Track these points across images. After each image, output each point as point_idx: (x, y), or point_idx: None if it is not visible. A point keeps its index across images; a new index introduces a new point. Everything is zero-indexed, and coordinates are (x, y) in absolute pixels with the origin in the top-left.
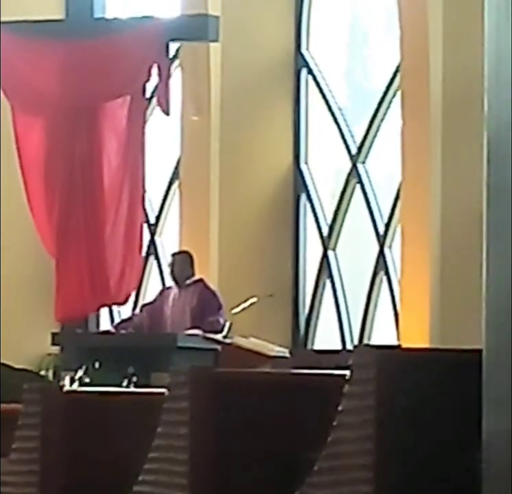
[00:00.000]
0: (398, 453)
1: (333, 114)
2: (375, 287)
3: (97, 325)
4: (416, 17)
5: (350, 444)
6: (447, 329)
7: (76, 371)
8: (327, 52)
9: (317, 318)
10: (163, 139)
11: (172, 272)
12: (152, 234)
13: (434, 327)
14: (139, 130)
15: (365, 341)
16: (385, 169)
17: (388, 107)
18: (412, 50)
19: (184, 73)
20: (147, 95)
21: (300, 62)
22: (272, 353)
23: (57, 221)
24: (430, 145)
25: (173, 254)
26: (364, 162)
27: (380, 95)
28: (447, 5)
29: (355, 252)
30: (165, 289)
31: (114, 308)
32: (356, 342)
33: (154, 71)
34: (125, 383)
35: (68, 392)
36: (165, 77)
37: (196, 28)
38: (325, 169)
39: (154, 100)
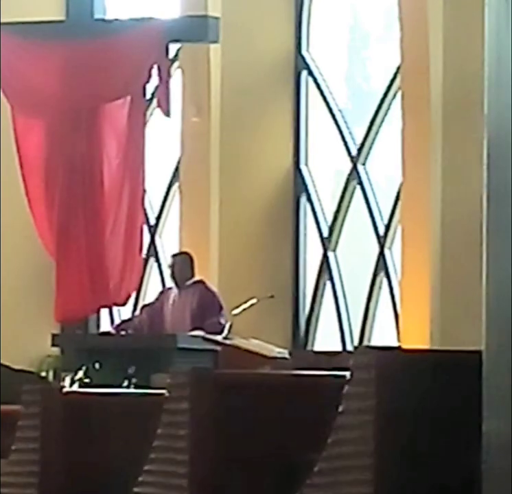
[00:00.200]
0: (398, 454)
1: (333, 115)
2: (375, 288)
3: (97, 326)
4: (416, 18)
5: (350, 446)
6: (447, 330)
7: (76, 372)
8: (328, 53)
9: (317, 319)
10: (163, 140)
11: (172, 273)
12: (152, 235)
13: (434, 328)
14: (139, 131)
15: (365, 342)
16: (385, 170)
17: (389, 108)
18: (413, 51)
19: (185, 74)
20: (148, 96)
21: (301, 64)
22: (272, 354)
23: (57, 222)
24: (430, 147)
25: (174, 255)
26: (364, 164)
27: (380, 96)
28: (447, 6)
29: (356, 254)
30: (165, 290)
31: (115, 309)
32: (356, 343)
33: (154, 72)
34: (125, 384)
35: (68, 393)
36: (165, 78)
37: (196, 29)
38: (325, 170)
39: (154, 101)
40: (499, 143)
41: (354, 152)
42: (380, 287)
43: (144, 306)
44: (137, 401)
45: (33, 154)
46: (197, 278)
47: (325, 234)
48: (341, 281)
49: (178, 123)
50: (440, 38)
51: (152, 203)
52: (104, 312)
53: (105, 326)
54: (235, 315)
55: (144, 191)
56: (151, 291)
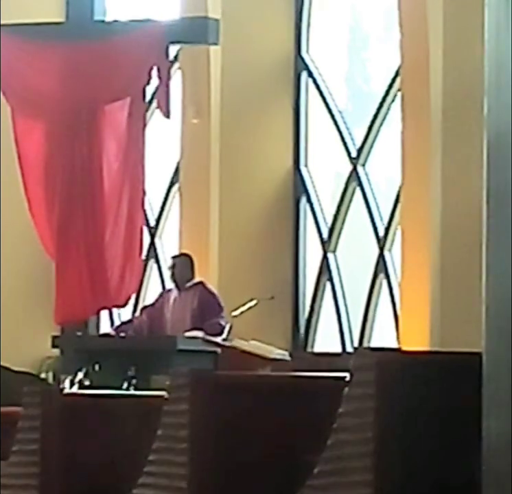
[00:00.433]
0: (398, 456)
1: (333, 117)
2: (375, 290)
3: (97, 328)
4: (416, 20)
5: (350, 447)
6: (446, 332)
7: (76, 374)
8: (327, 55)
9: (317, 320)
10: (162, 142)
11: (172, 275)
12: (152, 236)
13: (434, 330)
14: (139, 133)
15: (365, 344)
16: (385, 171)
17: (388, 110)
18: (412, 53)
19: (184, 75)
20: (147, 97)
21: (301, 65)
22: (272, 356)
23: (57, 223)
24: (430, 148)
25: (174, 257)
26: (364, 165)
27: (380, 97)
28: (447, 8)
29: (355, 255)
30: (165, 291)
31: (114, 311)
32: (356, 344)
33: (154, 73)
34: (125, 386)
35: (68, 394)
36: (165, 79)
37: (196, 31)
38: (325, 171)
39: (154, 103)
40: (499, 145)
41: (354, 154)
42: (380, 289)
43: (144, 307)
44: (137, 402)
45: (33, 156)
46: (197, 279)
47: (325, 235)
48: (341, 283)
49: (178, 125)
50: (440, 39)
51: (152, 204)
52: (104, 314)
53: (105, 327)
54: (235, 316)
55: (144, 192)
56: (151, 292)
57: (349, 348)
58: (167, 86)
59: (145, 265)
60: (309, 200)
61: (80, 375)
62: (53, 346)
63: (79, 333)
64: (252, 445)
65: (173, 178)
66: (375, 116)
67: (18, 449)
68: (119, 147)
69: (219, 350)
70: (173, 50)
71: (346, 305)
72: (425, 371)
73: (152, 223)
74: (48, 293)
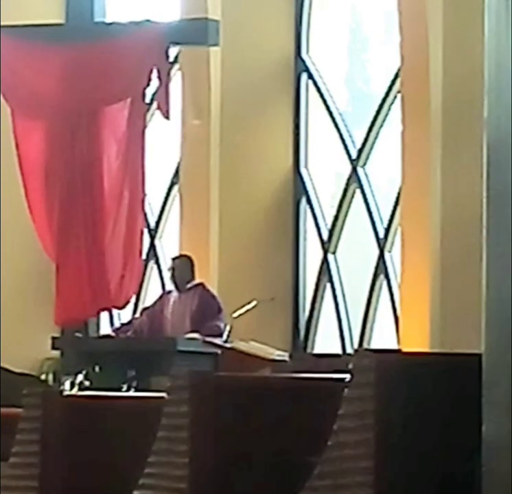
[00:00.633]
0: (398, 457)
1: (333, 118)
2: (375, 291)
3: (97, 329)
4: (416, 21)
5: (350, 448)
6: (447, 333)
7: (76, 375)
8: (328, 56)
9: (317, 321)
10: (163, 143)
11: (172, 276)
12: (152, 238)
13: (434, 331)
14: (139, 134)
15: (365, 345)
16: (385, 173)
17: (388, 111)
18: (412, 54)
19: (185, 77)
20: (148, 99)
21: (301, 67)
22: (272, 357)
23: (57, 225)
24: (430, 150)
25: (174, 258)
26: (364, 167)
27: (380, 99)
28: (446, 9)
29: (355, 256)
30: (165, 293)
31: (114, 312)
32: (356, 345)
33: (154, 75)
34: (125, 388)
35: (68, 396)
36: (165, 81)
37: (196, 32)
38: (325, 173)
39: (154, 104)
40: (498, 146)
41: (354, 155)
42: (380, 290)
43: (144, 309)
44: (137, 403)
45: (33, 157)
46: (197, 281)
47: (325, 237)
48: (341, 284)
49: (178, 126)
50: (440, 41)
51: (152, 206)
52: (104, 315)
53: (105, 329)
54: (235, 317)
55: (144, 194)
56: (151, 294)
57: (349, 350)
58: (167, 87)
59: (145, 267)
60: (309, 201)
61: (80, 377)
62: (53, 347)
63: (79, 335)
64: (252, 446)
65: (173, 179)
66: (375, 117)
67: (18, 450)
68: (119, 149)
69: (219, 351)
70: (173, 51)
71: (346, 306)
72: (425, 372)
73: (152, 224)
74: (48, 295)
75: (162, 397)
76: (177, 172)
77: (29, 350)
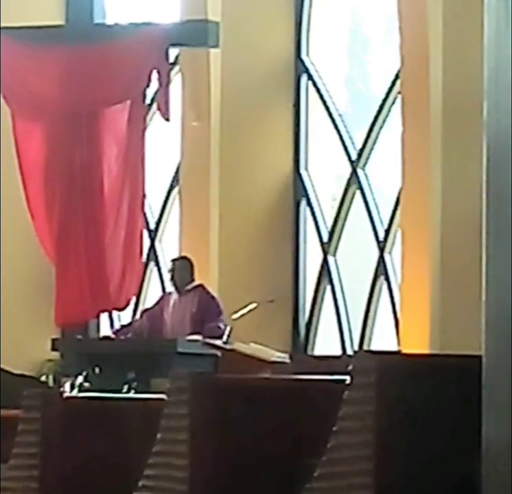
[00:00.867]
0: (398, 459)
1: (333, 119)
2: (375, 293)
3: (97, 331)
4: (416, 23)
5: (350, 450)
6: (447, 335)
7: (76, 377)
8: (328, 58)
9: (317, 323)
10: (162, 145)
11: (172, 278)
12: (152, 239)
13: (434, 333)
14: (139, 136)
15: (365, 346)
16: (385, 174)
17: (388, 113)
18: (412, 56)
19: (184, 78)
20: (147, 100)
21: (301, 68)
22: (272, 359)
23: (57, 226)
24: (430, 151)
25: (174, 260)
26: (364, 168)
27: (380, 100)
28: (447, 11)
29: (356, 258)
30: (165, 294)
31: (114, 314)
32: (356, 347)
33: (154, 76)
34: (125, 389)
35: (69, 398)
36: (165, 82)
37: (196, 34)
38: (325, 174)
39: (154, 106)
40: (498, 147)
41: (354, 156)
42: (380, 292)
43: (144, 310)
44: (137, 405)
45: (33, 158)
46: (197, 282)
47: (325, 238)
48: (341, 286)
49: (178, 128)
50: (440, 42)
51: (152, 208)
52: (104, 317)
53: (105, 330)
54: (235, 319)
55: (144, 195)
56: (151, 295)
57: (349, 351)
58: (167, 89)
59: (145, 268)
60: (309, 203)
61: (80, 378)
62: (53, 349)
63: (79, 336)
64: (252, 448)
65: (173, 180)
66: (375, 119)
67: (18, 451)
68: (119, 150)
69: (219, 353)
70: (173, 53)
71: (346, 308)
72: (425, 374)
73: (152, 226)
74: (48, 296)
75: (162, 399)
76: (177, 174)
77: (29, 352)
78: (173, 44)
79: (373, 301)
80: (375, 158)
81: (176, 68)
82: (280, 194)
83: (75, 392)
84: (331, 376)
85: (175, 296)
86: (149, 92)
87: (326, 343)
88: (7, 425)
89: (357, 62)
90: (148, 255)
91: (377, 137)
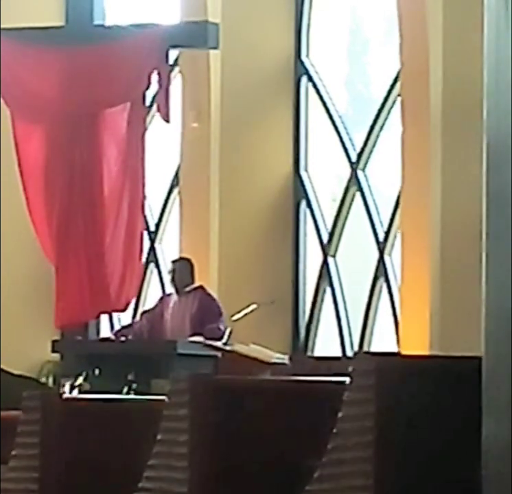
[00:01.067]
0: (398, 460)
1: (333, 121)
2: (375, 294)
3: (97, 332)
4: (416, 24)
5: (350, 451)
6: (446, 336)
7: (76, 378)
8: (327, 59)
9: (317, 324)
10: (162, 146)
11: (172, 279)
12: (152, 241)
13: (434, 334)
14: (139, 137)
15: (365, 348)
16: (385, 176)
17: (388, 114)
18: (412, 57)
19: (184, 80)
20: (147, 102)
21: (301, 69)
22: (272, 360)
23: (57, 228)
24: (430, 152)
25: (174, 261)
26: (364, 169)
27: (380, 102)
28: (446, 12)
29: (355, 259)
30: (165, 296)
31: (114, 315)
32: (356, 348)
33: (154, 77)
34: (125, 390)
35: (68, 399)
36: (165, 84)
37: (196, 35)
38: (325, 175)
39: (154, 107)
40: (498, 149)
41: (354, 158)
42: (380, 293)
43: (144, 312)
44: (137, 407)
45: (33, 160)
46: (197, 284)
47: (325, 239)
48: (341, 287)
49: (178, 129)
50: (440, 43)
51: (152, 209)
52: (104, 318)
53: (105, 332)
54: (235, 320)
55: (144, 197)
56: (151, 297)
57: (349, 353)
58: (167, 90)
59: (145, 270)
60: (309, 204)
61: (80, 379)
62: (53, 350)
63: (79, 338)
64: (252, 450)
65: (173, 182)
66: (375, 120)
67: (17, 453)
68: (119, 152)
69: (219, 354)
70: (173, 54)
71: (346, 309)
72: (425, 375)
73: (152, 227)
74: (48, 298)
75: (162, 400)
76: (177, 175)
77: (29, 353)
78: (173, 46)
79: (373, 302)
80: (374, 160)
81: (176, 69)
82: (280, 195)
83: (75, 394)
84: (330, 377)
85: (175, 297)
86: (149, 94)
87: (326, 344)
88: (7, 426)
89: (357, 64)
90: (148, 256)
91: (377, 138)
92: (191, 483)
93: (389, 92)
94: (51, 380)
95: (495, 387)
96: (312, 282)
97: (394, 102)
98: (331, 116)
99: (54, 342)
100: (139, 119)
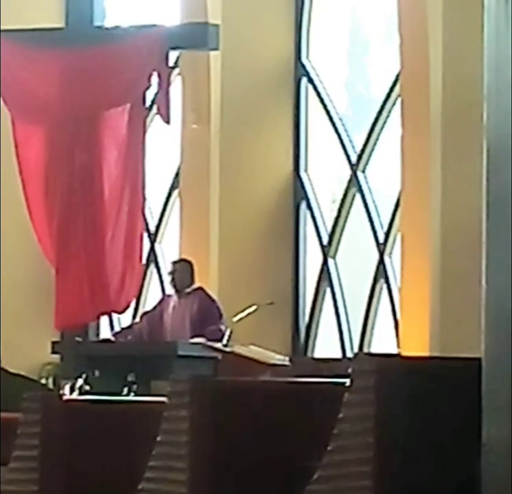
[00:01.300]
0: (398, 461)
1: (333, 122)
2: (375, 295)
3: (97, 333)
4: (416, 25)
5: (350, 453)
6: (446, 337)
7: (76, 379)
8: (327, 61)
9: (317, 326)
10: (163, 147)
11: (172, 280)
12: (152, 242)
13: (434, 335)
14: (139, 139)
15: (365, 349)
16: (385, 177)
17: (388, 115)
18: (412, 58)
19: (185, 81)
20: (147, 103)
21: (301, 71)
22: (272, 361)
23: (57, 229)
24: (430, 154)
25: (174, 262)
26: (364, 171)
27: (380, 103)
28: (446, 13)
29: (355, 261)
30: (165, 297)
31: (114, 316)
32: (356, 350)
33: (154, 79)
34: (125, 392)
35: (68, 400)
36: (165, 85)
37: (196, 36)
38: (325, 177)
39: (154, 108)
40: (498, 150)
41: (354, 159)
42: (380, 294)
43: (144, 313)
44: (137, 408)
45: (33, 162)
46: (197, 285)
47: (325, 241)
48: (341, 288)
49: (178, 130)
50: (440, 44)
51: (152, 210)
52: (104, 319)
53: (105, 333)
54: (235, 322)
55: (144, 198)
56: (151, 298)
57: (349, 354)
58: (167, 91)
59: (145, 271)
60: (309, 206)
61: (80, 381)
62: (53, 351)
63: (79, 339)
64: (252, 451)
65: (173, 183)
66: (375, 121)
67: (18, 454)
68: (119, 153)
69: (219, 355)
70: (173, 55)
71: (346, 311)
72: (424, 376)
73: (152, 228)
74: (48, 299)
75: (162, 401)
76: (177, 176)
77: (29, 355)
78: (174, 47)
79: (373, 304)
80: (374, 161)
81: (176, 70)
82: (280, 196)
83: (75, 395)
84: (330, 378)
85: (175, 298)
86: (149, 95)
87: (326, 345)
88: (7, 428)
89: (357, 65)
90: (148, 258)
91: (377, 140)
92: (190, 484)
93: (389, 93)
94: (51, 381)
95: (495, 389)
96: (312, 283)
97: (394, 103)
98: (331, 118)
99: (54, 343)
100: (139, 121)
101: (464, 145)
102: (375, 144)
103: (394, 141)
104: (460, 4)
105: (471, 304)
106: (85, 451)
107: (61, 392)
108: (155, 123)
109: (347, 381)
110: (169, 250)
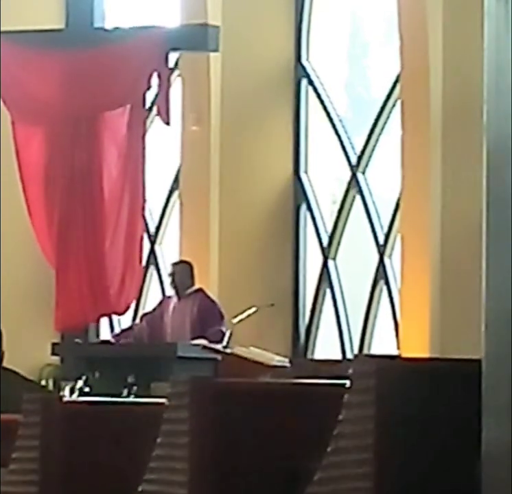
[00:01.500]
0: (398, 463)
1: (333, 124)
2: (375, 297)
3: (97, 335)
4: (416, 27)
5: (350, 454)
6: (446, 339)
7: (76, 381)
8: (327, 62)
9: (317, 327)
10: (163, 149)
11: (172, 282)
12: (152, 243)
13: (434, 337)
14: (139, 140)
15: (365, 350)
16: (385, 178)
17: (388, 117)
18: (412, 60)
19: (185, 82)
20: (147, 104)
21: (301, 72)
22: (272, 363)
23: (57, 231)
24: (430, 155)
25: (174, 264)
26: (364, 172)
27: (380, 104)
28: (446, 14)
29: (355, 262)
30: (165, 298)
31: (114, 318)
32: (356, 351)
33: (154, 80)
34: (125, 393)
35: (68, 402)
36: (165, 86)
37: (196, 38)
38: (325, 178)
39: (154, 110)
40: (498, 152)
41: (354, 161)
42: (380, 296)
43: (144, 315)
44: (137, 409)
45: (34, 163)
46: (197, 286)
47: (325, 242)
48: (341, 289)
49: (178, 132)
50: (440, 46)
51: (152, 212)
52: (104, 321)
53: (105, 335)
54: (235, 323)
55: (144, 199)
56: (151, 299)
57: (349, 355)
58: (167, 93)
59: (145, 272)
60: (309, 207)
61: (80, 382)
62: (53, 353)
63: (79, 341)
64: (252, 452)
65: (173, 185)
66: (375, 123)
67: (17, 456)
68: (119, 155)
69: (219, 357)
70: (173, 57)
71: (346, 312)
72: (425, 378)
73: (152, 230)
74: (48, 301)
75: (162, 403)
76: (177, 178)
77: (29, 356)
78: (174, 48)
79: (373, 305)
80: (374, 163)
81: (176, 72)
82: (280, 198)
83: (75, 396)
84: (331, 380)
85: (175, 300)
86: (149, 96)
87: (326, 347)
88: (6, 429)
89: (357, 66)
90: (148, 259)
91: (377, 141)
92: (191, 486)
93: (389, 95)
94: (51, 383)
95: (495, 390)
96: (312, 285)
97: (394, 105)
98: (331, 119)
99: (54, 344)
100: (139, 122)
101: (464, 145)
102: (375, 145)
103: (394, 143)
104: (460, 5)
105: (471, 304)
106: (85, 452)
107: (61, 393)
108: (155, 125)
109: (347, 383)
110: (169, 251)
